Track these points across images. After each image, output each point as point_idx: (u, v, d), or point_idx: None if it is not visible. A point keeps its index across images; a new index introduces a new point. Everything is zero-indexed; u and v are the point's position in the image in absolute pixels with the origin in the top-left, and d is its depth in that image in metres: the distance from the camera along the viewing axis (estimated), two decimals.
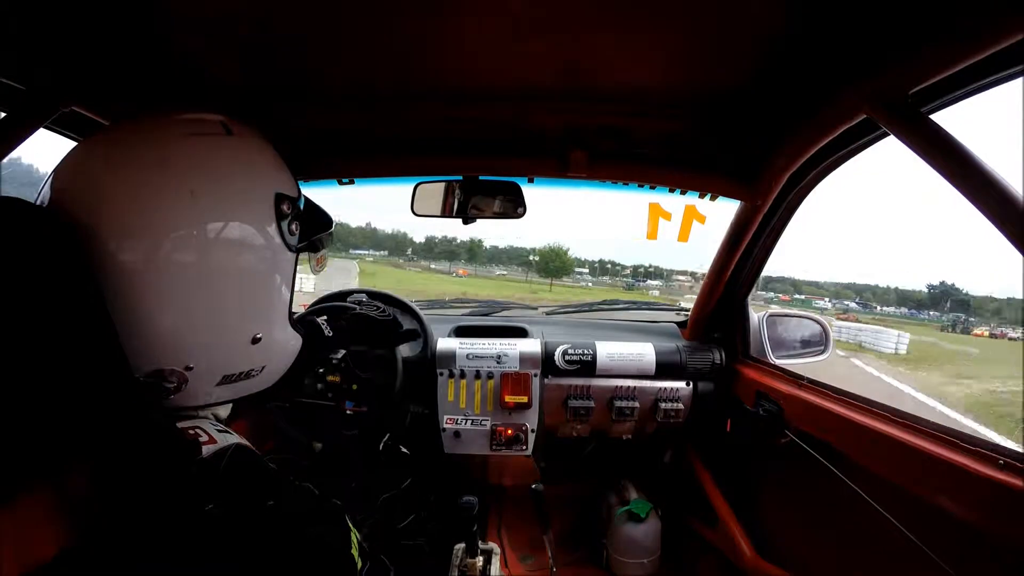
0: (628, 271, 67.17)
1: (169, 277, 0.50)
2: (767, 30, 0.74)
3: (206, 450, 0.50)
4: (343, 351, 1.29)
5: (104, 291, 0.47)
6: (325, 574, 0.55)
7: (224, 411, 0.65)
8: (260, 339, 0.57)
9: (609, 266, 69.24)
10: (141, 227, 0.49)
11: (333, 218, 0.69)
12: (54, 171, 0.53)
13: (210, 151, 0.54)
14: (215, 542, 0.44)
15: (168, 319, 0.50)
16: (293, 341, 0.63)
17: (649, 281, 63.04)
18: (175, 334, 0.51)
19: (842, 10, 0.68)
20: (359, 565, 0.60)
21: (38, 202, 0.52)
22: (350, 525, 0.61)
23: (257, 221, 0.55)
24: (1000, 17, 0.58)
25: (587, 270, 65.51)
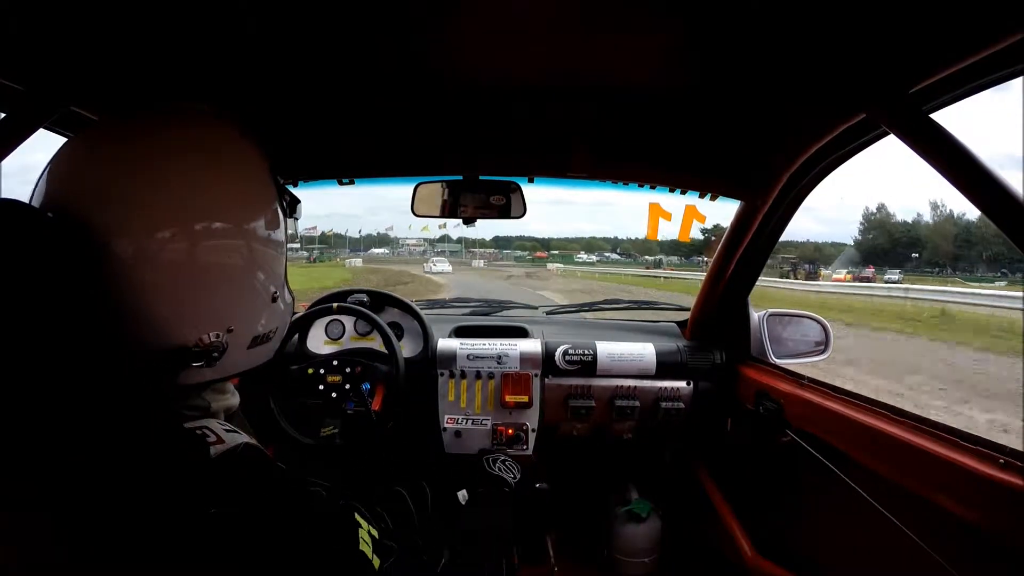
0: None
1: (208, 260, 0.53)
2: (767, 29, 0.74)
3: (214, 450, 0.50)
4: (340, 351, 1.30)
5: (134, 285, 0.49)
6: None
7: (235, 399, 0.65)
8: (277, 297, 0.62)
9: None
10: (170, 220, 0.51)
11: None
12: (49, 171, 0.53)
13: (214, 138, 0.57)
14: (219, 551, 0.44)
15: (212, 291, 0.54)
16: (291, 299, 0.69)
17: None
18: (219, 301, 0.55)
19: (842, 9, 0.68)
20: (376, 563, 0.59)
21: (33, 202, 0.52)
22: (359, 520, 0.60)
23: (269, 194, 0.60)
24: (1000, 17, 0.58)
25: None
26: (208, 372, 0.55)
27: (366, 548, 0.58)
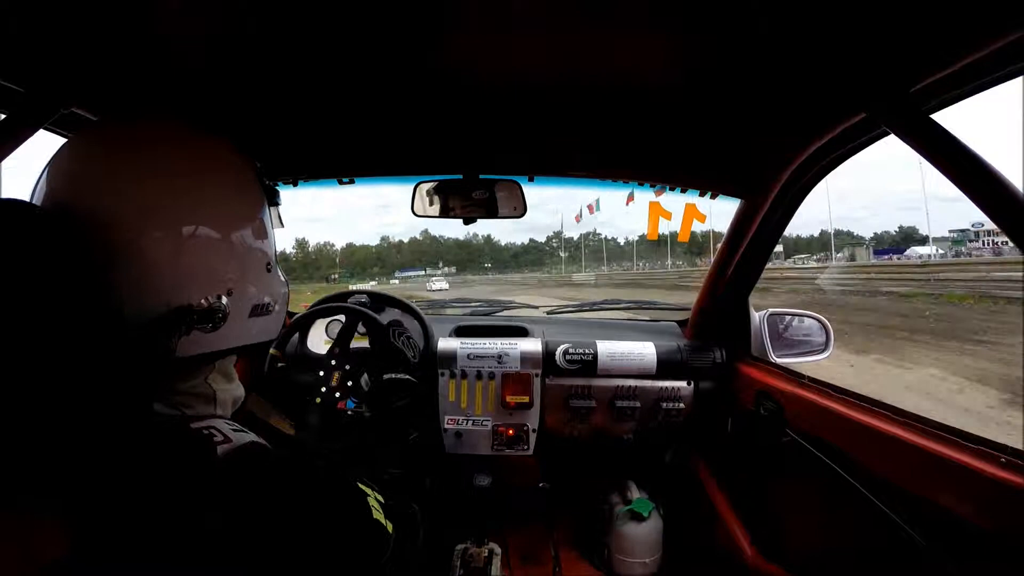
0: None
1: (205, 236, 0.55)
2: (767, 29, 0.74)
3: (221, 450, 0.50)
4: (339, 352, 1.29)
5: (137, 266, 0.50)
6: (354, 558, 0.55)
7: (241, 390, 0.66)
8: (271, 268, 0.64)
9: None
10: (169, 214, 0.53)
11: None
12: (50, 170, 0.54)
13: (206, 143, 0.59)
14: (224, 550, 0.44)
15: (210, 257, 0.56)
16: (284, 278, 0.71)
17: None
18: (217, 266, 0.57)
19: (842, 9, 0.68)
20: (390, 528, 0.60)
21: (34, 199, 0.52)
22: (364, 488, 0.61)
23: (254, 184, 0.64)
24: (999, 17, 0.58)
25: None
26: (210, 339, 0.56)
27: (379, 516, 0.59)
